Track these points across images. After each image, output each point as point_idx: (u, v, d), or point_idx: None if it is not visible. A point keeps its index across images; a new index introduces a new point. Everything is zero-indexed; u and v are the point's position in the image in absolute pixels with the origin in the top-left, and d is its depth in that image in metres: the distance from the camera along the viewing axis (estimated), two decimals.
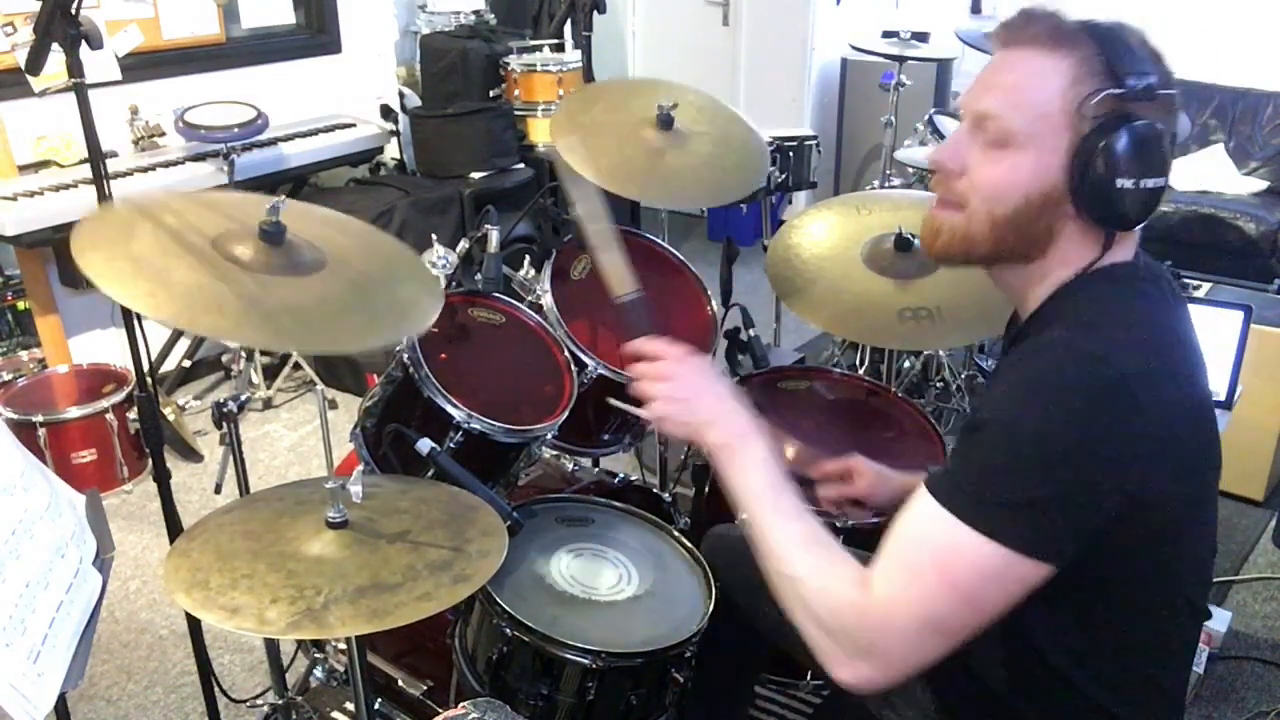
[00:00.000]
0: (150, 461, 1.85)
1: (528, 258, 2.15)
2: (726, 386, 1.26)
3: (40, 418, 2.89)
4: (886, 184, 3.65)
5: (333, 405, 3.60)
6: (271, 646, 1.90)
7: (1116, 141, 1.05)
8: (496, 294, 1.90)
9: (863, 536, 1.62)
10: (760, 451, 1.20)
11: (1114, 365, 1.02)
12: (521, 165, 4.01)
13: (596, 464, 2.24)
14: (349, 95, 4.09)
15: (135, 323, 1.76)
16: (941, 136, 3.50)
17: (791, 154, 3.11)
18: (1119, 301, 1.11)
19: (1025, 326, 1.18)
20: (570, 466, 2.11)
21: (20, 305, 3.26)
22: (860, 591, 1.07)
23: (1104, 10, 1.14)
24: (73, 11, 1.59)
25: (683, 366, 1.27)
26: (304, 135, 3.71)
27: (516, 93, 3.99)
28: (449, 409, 1.64)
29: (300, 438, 3.45)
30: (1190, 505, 1.12)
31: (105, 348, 3.45)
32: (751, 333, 2.09)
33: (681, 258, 2.19)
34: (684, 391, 1.25)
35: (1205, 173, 4.29)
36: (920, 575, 1.04)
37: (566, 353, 1.88)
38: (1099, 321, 1.08)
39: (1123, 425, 1.01)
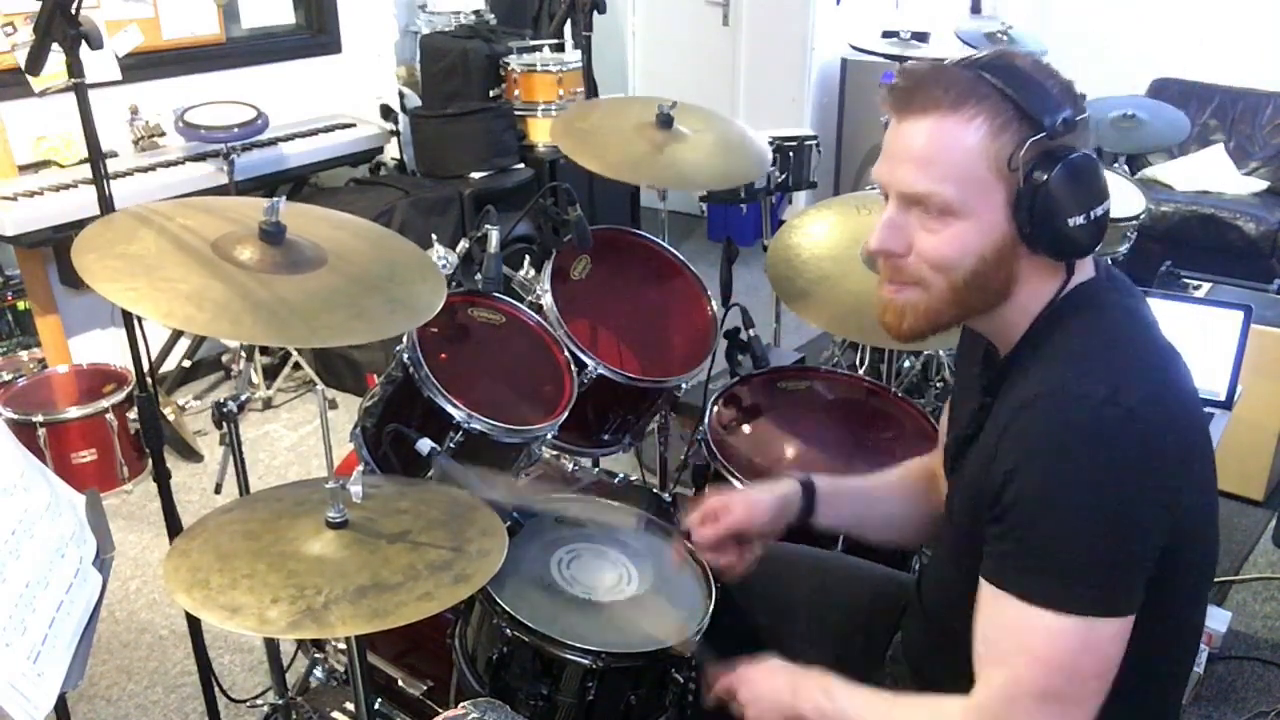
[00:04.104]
0: (150, 461, 1.84)
1: (528, 258, 2.15)
2: (772, 670, 1.28)
3: (40, 418, 2.90)
4: None
5: (333, 405, 3.60)
6: (271, 646, 1.90)
7: (1054, 186, 1.02)
8: (496, 294, 1.89)
9: (863, 547, 1.62)
10: (819, 685, 1.22)
11: (1118, 401, 1.00)
12: (521, 165, 4.01)
13: (596, 464, 2.23)
14: (349, 95, 4.09)
15: (135, 323, 1.76)
16: None
17: (791, 154, 3.12)
18: (1096, 325, 1.10)
19: (1007, 363, 1.16)
20: (570, 466, 2.11)
21: (20, 305, 3.26)
22: (966, 706, 1.09)
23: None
24: (73, 11, 1.59)
25: (747, 682, 1.29)
26: (304, 135, 3.71)
27: (516, 93, 3.98)
28: (449, 409, 1.64)
29: (300, 438, 3.45)
30: (1208, 508, 1.12)
31: (105, 348, 3.44)
32: (751, 333, 2.08)
33: (681, 258, 2.19)
34: (757, 700, 1.27)
35: (1205, 173, 4.29)
36: (1009, 663, 1.05)
37: (566, 353, 1.88)
38: (1084, 354, 1.07)
39: (1148, 458, 1.01)
